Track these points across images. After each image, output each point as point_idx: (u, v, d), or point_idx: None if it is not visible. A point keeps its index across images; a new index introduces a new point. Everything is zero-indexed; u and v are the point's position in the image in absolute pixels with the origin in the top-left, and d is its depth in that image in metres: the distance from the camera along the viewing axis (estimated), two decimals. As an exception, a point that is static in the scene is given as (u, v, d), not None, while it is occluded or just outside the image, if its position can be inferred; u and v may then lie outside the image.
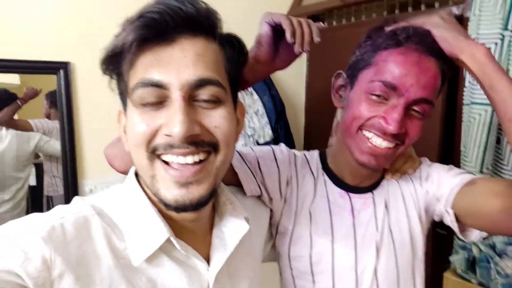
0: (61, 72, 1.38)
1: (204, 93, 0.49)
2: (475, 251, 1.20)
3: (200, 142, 0.49)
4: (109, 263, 0.50)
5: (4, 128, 1.41)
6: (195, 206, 0.50)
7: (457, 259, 1.23)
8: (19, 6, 1.33)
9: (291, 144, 1.82)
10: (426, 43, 0.66)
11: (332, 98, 0.79)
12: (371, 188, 0.79)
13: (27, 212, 1.49)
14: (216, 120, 0.50)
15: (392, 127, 0.64)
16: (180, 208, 0.50)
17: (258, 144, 1.70)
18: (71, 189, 1.45)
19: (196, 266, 0.56)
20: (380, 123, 0.66)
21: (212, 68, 0.50)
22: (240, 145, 1.66)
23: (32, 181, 1.52)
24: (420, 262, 0.80)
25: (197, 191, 0.50)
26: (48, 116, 1.47)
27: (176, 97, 0.47)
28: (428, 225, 0.82)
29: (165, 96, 0.48)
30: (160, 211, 0.54)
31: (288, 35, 0.61)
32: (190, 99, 0.49)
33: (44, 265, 0.44)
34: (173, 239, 0.52)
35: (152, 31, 0.47)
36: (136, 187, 0.56)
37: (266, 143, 1.69)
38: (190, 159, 0.49)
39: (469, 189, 0.70)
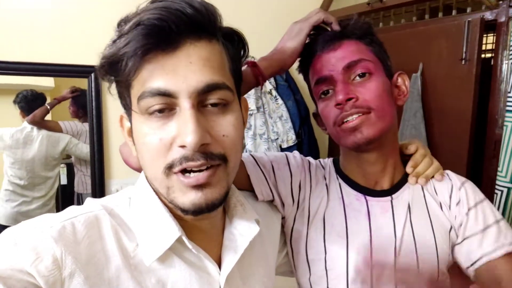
0: (92, 75, 1.44)
1: (213, 98, 0.49)
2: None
3: (209, 154, 0.48)
4: (118, 263, 0.50)
5: (35, 130, 1.49)
6: (211, 208, 0.50)
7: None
8: (53, 12, 1.40)
9: (315, 149, 1.81)
10: (326, 41, 0.74)
11: (324, 132, 0.83)
12: (389, 192, 0.77)
13: (57, 209, 1.56)
14: (224, 128, 0.50)
15: (340, 96, 0.69)
16: (197, 211, 0.50)
17: (281, 148, 1.70)
18: (99, 189, 1.50)
19: (206, 268, 0.56)
20: (337, 106, 0.71)
21: (218, 72, 0.49)
22: (263, 150, 1.66)
23: (63, 180, 1.59)
24: (445, 280, 0.76)
25: (211, 194, 0.50)
26: (77, 116, 1.53)
27: (186, 105, 0.47)
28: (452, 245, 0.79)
29: (174, 104, 0.47)
30: (171, 211, 0.54)
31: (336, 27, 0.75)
32: (199, 105, 0.48)
33: (55, 264, 0.44)
34: (184, 238, 0.52)
35: (155, 39, 0.46)
36: (147, 187, 0.56)
37: (290, 148, 1.69)
38: (203, 172, 0.49)
39: (496, 272, 0.70)
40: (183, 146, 0.47)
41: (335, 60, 0.71)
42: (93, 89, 1.44)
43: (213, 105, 0.49)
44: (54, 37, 1.40)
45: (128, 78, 0.48)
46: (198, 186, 0.49)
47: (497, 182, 1.26)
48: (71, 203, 1.64)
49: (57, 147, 1.53)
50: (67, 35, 1.41)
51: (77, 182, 1.60)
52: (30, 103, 1.46)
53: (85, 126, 1.52)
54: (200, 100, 0.48)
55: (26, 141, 1.47)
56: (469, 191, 0.76)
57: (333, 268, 0.74)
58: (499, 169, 1.25)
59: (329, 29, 0.77)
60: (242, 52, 0.57)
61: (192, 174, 0.48)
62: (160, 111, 0.48)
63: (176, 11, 0.46)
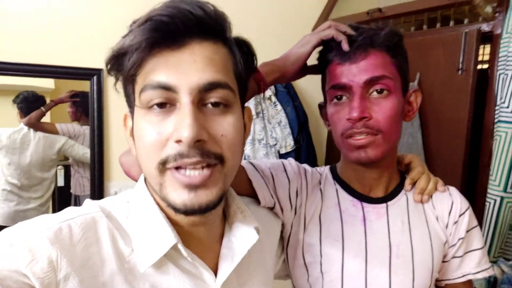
0: (94, 78, 1.45)
1: (214, 97, 0.49)
2: (497, 272, 1.17)
3: (206, 152, 0.47)
4: (113, 267, 0.49)
5: (32, 131, 1.49)
6: (204, 210, 0.49)
7: (478, 279, 1.19)
8: (56, 14, 1.41)
9: (312, 155, 1.82)
10: (353, 48, 0.71)
11: (326, 127, 0.84)
12: (385, 199, 0.79)
13: (54, 211, 1.55)
14: (223, 128, 0.49)
15: (355, 114, 0.69)
16: (189, 211, 0.49)
17: (280, 154, 1.71)
18: (98, 191, 1.50)
19: (202, 275, 0.55)
20: (349, 121, 0.71)
21: (221, 71, 0.49)
22: (261, 155, 1.68)
23: (60, 182, 1.59)
24: (433, 285, 0.79)
25: (205, 196, 0.49)
26: (76, 119, 1.53)
27: (185, 101, 0.47)
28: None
29: (174, 99, 0.47)
30: (168, 217, 0.53)
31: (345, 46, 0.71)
32: (199, 103, 0.48)
33: (50, 266, 0.44)
34: (180, 246, 0.51)
35: (161, 34, 0.46)
36: (145, 192, 0.55)
37: (288, 154, 1.70)
38: (198, 170, 0.48)
39: None
40: (178, 141, 0.47)
41: (357, 70, 0.70)
42: (95, 91, 1.45)
43: (214, 105, 0.49)
44: (55, 39, 1.41)
45: (132, 72, 0.49)
46: (192, 186, 0.48)
47: (489, 191, 1.28)
48: (68, 205, 1.63)
49: (53, 148, 1.54)
50: (69, 37, 1.42)
51: (74, 184, 1.60)
52: (30, 105, 1.47)
53: (84, 129, 1.53)
54: (201, 98, 0.48)
55: (24, 141, 1.48)
56: (470, 218, 0.80)
57: (329, 271, 0.75)
58: (492, 178, 1.27)
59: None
60: (250, 62, 0.57)
61: (187, 172, 0.48)
62: (161, 105, 0.48)
63: (184, 10, 0.47)
